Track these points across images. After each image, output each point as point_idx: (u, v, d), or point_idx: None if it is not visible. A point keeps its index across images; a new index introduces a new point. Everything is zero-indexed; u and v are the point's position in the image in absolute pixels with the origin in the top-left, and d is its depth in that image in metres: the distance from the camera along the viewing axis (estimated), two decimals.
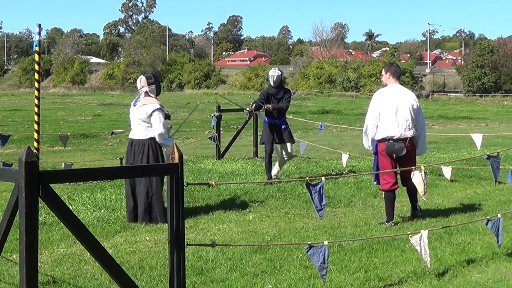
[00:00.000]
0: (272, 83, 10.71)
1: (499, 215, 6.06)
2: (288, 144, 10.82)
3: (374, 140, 7.78)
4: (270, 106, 10.66)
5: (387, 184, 7.68)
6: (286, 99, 10.76)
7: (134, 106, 7.92)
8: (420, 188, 6.67)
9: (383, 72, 8.05)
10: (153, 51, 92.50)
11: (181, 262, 4.31)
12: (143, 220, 7.65)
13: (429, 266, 5.56)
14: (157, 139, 7.77)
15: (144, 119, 7.76)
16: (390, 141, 7.60)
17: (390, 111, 7.62)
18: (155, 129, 7.73)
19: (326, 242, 4.96)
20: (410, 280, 5.50)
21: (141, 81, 7.92)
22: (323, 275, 4.93)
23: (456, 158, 13.47)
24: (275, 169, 10.97)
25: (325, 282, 5.05)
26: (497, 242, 6.05)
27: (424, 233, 5.49)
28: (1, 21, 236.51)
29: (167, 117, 8.44)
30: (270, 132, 10.76)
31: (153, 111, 7.73)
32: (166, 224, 5.10)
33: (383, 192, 7.87)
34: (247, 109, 11.16)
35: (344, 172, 11.59)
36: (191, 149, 16.88)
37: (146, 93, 7.89)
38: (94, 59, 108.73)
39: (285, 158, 10.97)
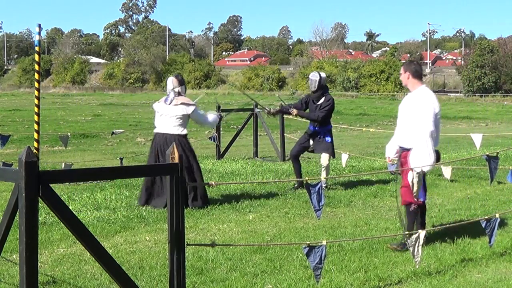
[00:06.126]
0: (311, 88, 10.09)
1: (497, 215, 6.06)
2: (322, 155, 10.10)
3: None
4: (295, 111, 10.14)
5: None
6: (322, 108, 9.91)
7: (167, 103, 8.69)
8: (414, 188, 6.65)
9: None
10: (153, 51, 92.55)
11: (181, 262, 4.31)
12: (194, 206, 8.46)
13: (417, 267, 5.60)
14: (210, 126, 9.96)
15: (180, 116, 8.63)
16: None
17: None
18: (206, 123, 9.24)
19: (324, 242, 4.96)
20: (410, 280, 5.50)
21: (173, 82, 8.81)
22: (317, 275, 4.94)
23: (456, 158, 13.47)
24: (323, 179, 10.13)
25: (318, 282, 5.05)
26: (489, 242, 6.06)
27: (422, 233, 5.50)
28: (1, 21, 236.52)
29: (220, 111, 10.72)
30: (305, 137, 10.24)
31: (193, 111, 8.73)
32: (166, 224, 5.10)
33: None
34: (266, 108, 10.90)
35: (344, 172, 11.59)
36: None
37: (179, 93, 8.78)
38: (94, 59, 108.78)
39: (322, 168, 10.19)
